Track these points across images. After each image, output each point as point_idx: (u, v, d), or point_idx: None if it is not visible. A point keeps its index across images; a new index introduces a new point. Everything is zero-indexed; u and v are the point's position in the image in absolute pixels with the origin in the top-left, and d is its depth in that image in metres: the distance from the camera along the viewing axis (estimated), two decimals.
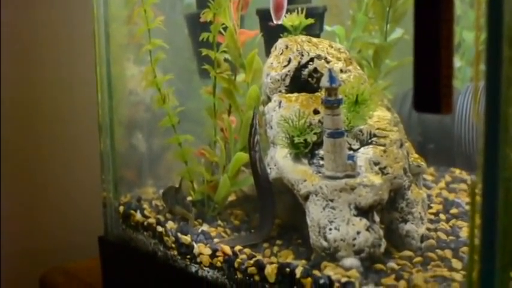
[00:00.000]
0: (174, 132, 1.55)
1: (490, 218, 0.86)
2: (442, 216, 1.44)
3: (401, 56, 1.60)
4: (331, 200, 1.18)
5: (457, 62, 1.91)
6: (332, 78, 1.17)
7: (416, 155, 1.35)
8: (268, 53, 1.47)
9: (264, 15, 1.51)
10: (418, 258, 1.22)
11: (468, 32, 1.88)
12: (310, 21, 1.45)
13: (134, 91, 1.79)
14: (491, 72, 0.84)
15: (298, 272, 1.17)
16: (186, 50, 1.82)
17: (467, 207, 1.43)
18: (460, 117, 1.73)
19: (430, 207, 1.46)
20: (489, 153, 0.86)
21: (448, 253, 1.25)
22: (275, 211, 1.36)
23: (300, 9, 1.45)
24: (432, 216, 1.43)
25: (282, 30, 1.45)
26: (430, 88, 0.86)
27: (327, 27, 1.61)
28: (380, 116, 1.30)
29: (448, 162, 1.77)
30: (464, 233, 1.33)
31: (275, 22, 1.41)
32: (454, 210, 1.46)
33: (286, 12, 1.43)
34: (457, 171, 1.75)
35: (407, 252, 1.24)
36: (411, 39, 0.84)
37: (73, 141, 2.04)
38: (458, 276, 1.13)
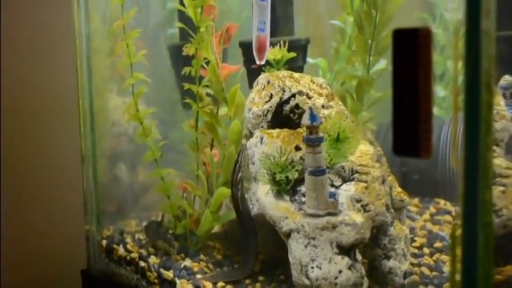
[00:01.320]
0: (156, 166, 1.54)
1: (470, 262, 0.87)
2: (425, 250, 1.44)
3: (385, 86, 1.59)
4: (313, 238, 1.17)
5: (442, 92, 1.91)
6: (313, 117, 1.16)
7: (399, 189, 1.34)
8: (251, 84, 1.47)
9: (247, 48, 1.50)
10: None
11: (453, 61, 1.88)
12: (293, 55, 1.45)
13: (117, 122, 1.78)
14: (469, 117, 0.84)
15: None
16: (169, 80, 1.82)
17: (451, 241, 1.43)
18: (445, 147, 1.73)
19: (413, 241, 1.46)
20: (469, 198, 0.87)
21: None
22: (258, 248, 1.36)
23: (282, 42, 1.45)
24: (416, 250, 1.43)
25: (265, 63, 1.45)
26: (409, 132, 0.86)
27: (309, 60, 1.61)
28: (362, 151, 1.30)
29: (433, 192, 1.77)
30: (447, 268, 1.33)
31: (258, 63, 1.41)
32: (438, 244, 1.46)
33: (270, 45, 1.43)
34: (442, 202, 1.75)
35: None
36: None
37: (58, 171, 2.02)
38: None
